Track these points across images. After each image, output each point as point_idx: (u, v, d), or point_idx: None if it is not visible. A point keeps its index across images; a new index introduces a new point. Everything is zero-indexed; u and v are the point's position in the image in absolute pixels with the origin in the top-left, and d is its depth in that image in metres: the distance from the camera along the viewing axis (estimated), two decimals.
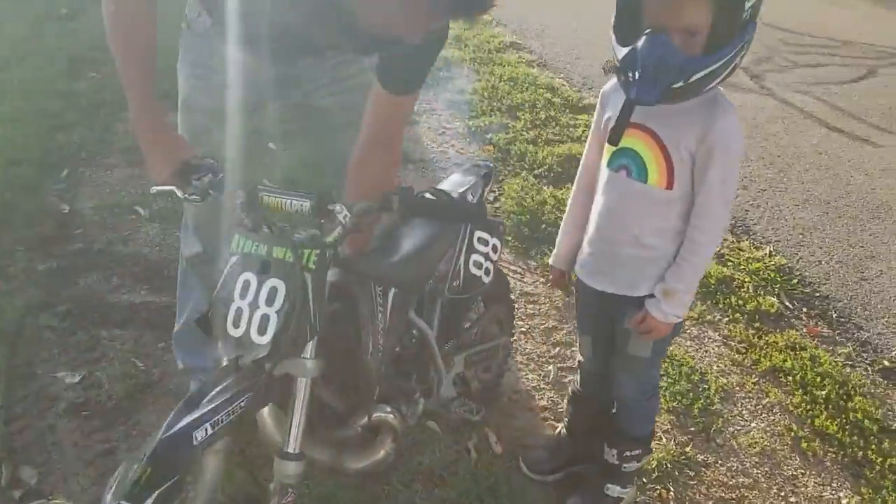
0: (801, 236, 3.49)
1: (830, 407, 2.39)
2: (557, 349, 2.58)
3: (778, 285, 3.05)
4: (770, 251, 3.31)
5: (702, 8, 1.41)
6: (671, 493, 2.07)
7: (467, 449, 2.12)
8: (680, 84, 1.42)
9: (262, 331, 1.27)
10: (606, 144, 1.65)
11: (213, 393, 1.30)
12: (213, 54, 1.66)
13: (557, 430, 2.16)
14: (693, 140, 1.52)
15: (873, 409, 2.40)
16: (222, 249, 2.01)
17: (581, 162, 1.83)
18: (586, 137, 1.84)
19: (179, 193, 1.46)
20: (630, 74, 1.45)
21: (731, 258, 3.20)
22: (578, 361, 2.00)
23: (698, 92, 1.46)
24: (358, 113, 1.76)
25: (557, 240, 1.90)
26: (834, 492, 2.13)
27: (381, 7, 1.11)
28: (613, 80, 1.67)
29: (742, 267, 3.15)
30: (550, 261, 1.93)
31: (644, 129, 1.57)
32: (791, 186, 3.98)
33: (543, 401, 2.36)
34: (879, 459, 2.21)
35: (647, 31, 1.42)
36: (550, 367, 2.48)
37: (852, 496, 2.11)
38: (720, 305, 2.89)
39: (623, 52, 1.47)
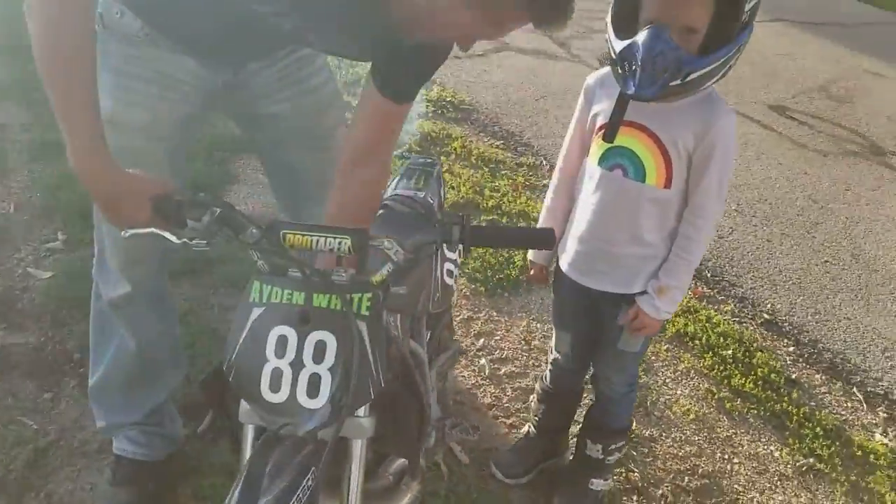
0: None
1: (739, 365, 2.54)
2: (482, 340, 2.47)
3: None
4: None
5: (703, 7, 1.40)
6: (636, 473, 2.09)
7: (437, 464, 1.97)
8: (677, 82, 1.39)
9: (312, 393, 1.05)
10: (598, 142, 1.59)
11: (269, 469, 1.05)
12: (143, 60, 1.37)
13: (525, 431, 2.08)
14: (691, 139, 1.49)
15: (773, 362, 2.60)
16: (157, 290, 1.67)
17: (561, 157, 1.75)
18: None
19: (173, 239, 1.14)
20: (628, 67, 1.41)
21: None
22: (554, 359, 1.92)
23: (694, 91, 1.45)
24: (313, 119, 1.60)
25: None
26: (766, 446, 2.27)
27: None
28: (597, 74, 1.65)
29: None
30: (530, 256, 1.84)
31: (640, 127, 1.53)
32: None
33: (487, 397, 2.26)
34: (794, 409, 2.39)
35: (648, 25, 1.39)
36: (483, 362, 2.38)
37: (782, 448, 2.28)
38: None
39: (621, 45, 1.43)
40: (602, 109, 1.58)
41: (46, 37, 1.10)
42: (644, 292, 1.61)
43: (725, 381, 2.48)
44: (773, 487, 2.14)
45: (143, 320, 1.69)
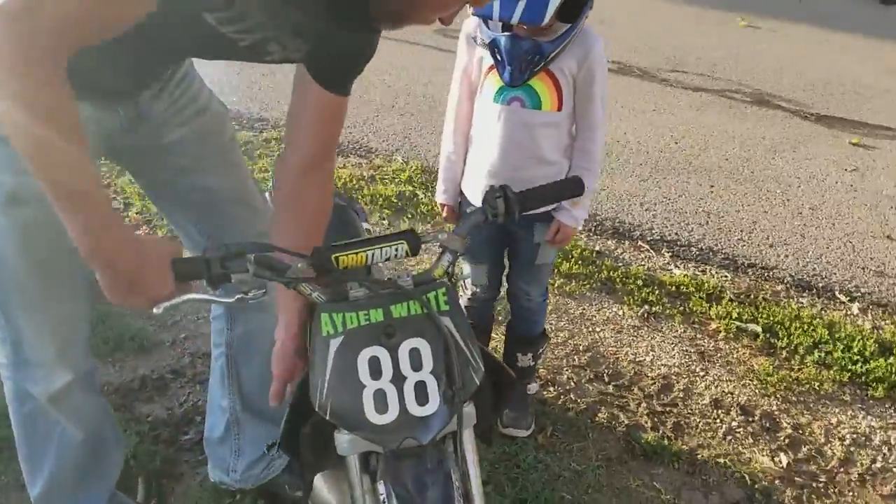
0: None
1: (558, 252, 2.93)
2: None
3: None
4: None
5: None
6: (541, 369, 2.34)
7: None
8: (541, 65, 1.64)
9: (422, 401, 1.05)
10: (493, 81, 1.71)
11: (412, 487, 1.08)
12: None
13: None
14: (574, 64, 1.68)
15: (578, 242, 3.02)
16: (91, 365, 1.46)
17: (451, 104, 1.85)
18: None
19: (226, 300, 1.07)
20: (499, 58, 1.65)
21: None
22: (472, 293, 2.03)
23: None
24: (215, 136, 1.49)
25: (442, 178, 1.90)
26: (610, 309, 2.64)
27: None
28: (474, 22, 1.75)
29: None
30: (441, 199, 1.92)
31: None
32: None
33: None
34: (613, 273, 2.82)
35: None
36: None
37: (622, 306, 2.69)
38: None
39: (489, 36, 1.64)
40: (485, 52, 1.70)
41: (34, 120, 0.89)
42: (558, 208, 1.80)
43: (555, 269, 2.83)
44: (633, 337, 2.53)
45: (86, 405, 1.47)
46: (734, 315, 2.63)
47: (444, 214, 1.94)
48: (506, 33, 1.62)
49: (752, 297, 2.79)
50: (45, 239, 1.25)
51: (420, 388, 1.05)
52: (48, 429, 1.44)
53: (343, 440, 1.09)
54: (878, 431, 2.22)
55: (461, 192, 1.89)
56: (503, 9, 1.52)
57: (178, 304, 1.04)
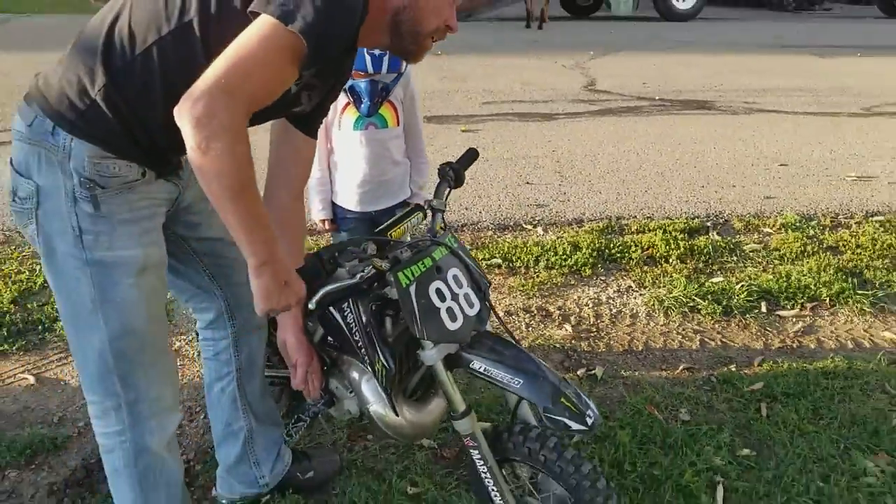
0: None
1: None
2: None
3: None
4: None
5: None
6: None
7: None
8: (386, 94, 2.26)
9: (471, 304, 1.66)
10: (351, 114, 2.26)
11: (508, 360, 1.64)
12: (141, 198, 1.49)
13: None
14: (402, 92, 2.32)
15: None
16: None
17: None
18: None
19: (354, 280, 1.54)
20: (355, 98, 2.23)
21: None
22: None
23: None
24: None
25: (318, 199, 2.41)
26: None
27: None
28: None
29: None
30: (321, 216, 2.40)
31: None
32: None
33: None
34: None
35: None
36: None
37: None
38: None
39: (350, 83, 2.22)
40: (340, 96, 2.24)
41: (233, 172, 1.25)
42: (413, 195, 2.44)
43: None
44: None
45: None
46: (480, 257, 3.49)
47: (327, 227, 2.40)
48: (364, 79, 2.17)
49: (481, 242, 3.69)
50: (160, 298, 1.53)
51: (465, 298, 1.63)
52: (159, 476, 1.64)
53: (429, 355, 1.60)
54: (601, 293, 3.29)
55: (333, 206, 2.39)
56: (374, 65, 2.12)
57: (322, 295, 1.49)
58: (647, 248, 3.58)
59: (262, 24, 1.26)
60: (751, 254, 3.63)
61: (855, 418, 2.46)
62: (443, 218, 1.78)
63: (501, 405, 2.39)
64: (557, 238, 3.77)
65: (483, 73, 7.34)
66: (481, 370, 1.65)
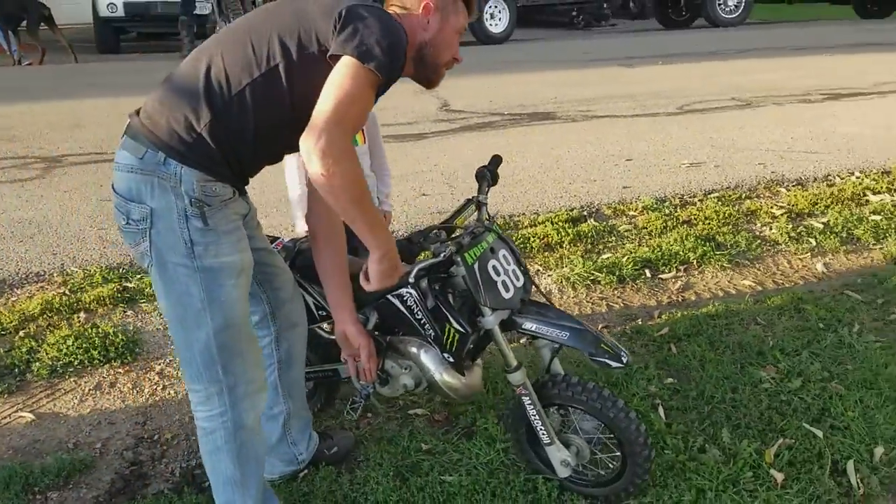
0: None
1: None
2: None
3: None
4: None
5: None
6: None
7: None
8: None
9: (518, 278, 2.11)
10: None
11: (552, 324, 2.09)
12: (233, 212, 1.79)
13: None
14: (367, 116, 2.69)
15: None
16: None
17: (292, 163, 2.61)
18: None
19: (435, 260, 1.99)
20: None
21: None
22: None
23: None
24: (254, 211, 2.13)
25: (302, 214, 2.61)
26: None
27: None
28: None
29: None
30: (304, 229, 2.63)
31: None
32: None
33: None
34: None
35: None
36: None
37: None
38: None
39: None
40: None
41: (354, 185, 1.61)
42: (382, 203, 2.79)
43: None
44: None
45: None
46: None
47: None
48: None
49: None
50: (247, 295, 1.81)
51: (513, 273, 2.06)
52: (251, 450, 1.90)
53: (489, 320, 2.01)
54: None
55: None
56: None
57: (417, 271, 1.94)
58: (543, 238, 4.11)
59: (348, 65, 1.60)
60: (625, 233, 4.27)
61: (742, 345, 3.10)
62: (486, 210, 2.17)
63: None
64: None
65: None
66: (533, 329, 2.06)
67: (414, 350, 2.15)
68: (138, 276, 3.52)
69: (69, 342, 2.96)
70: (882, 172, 5.20)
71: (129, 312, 3.30)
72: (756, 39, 12.86)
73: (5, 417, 2.65)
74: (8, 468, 2.34)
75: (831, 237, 4.21)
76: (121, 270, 3.58)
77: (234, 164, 1.73)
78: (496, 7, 12.95)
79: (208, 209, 1.69)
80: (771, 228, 4.34)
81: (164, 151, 1.65)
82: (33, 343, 3.00)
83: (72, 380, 2.88)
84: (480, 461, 2.41)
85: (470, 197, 2.25)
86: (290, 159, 2.57)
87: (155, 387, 2.86)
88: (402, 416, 2.67)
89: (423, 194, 4.76)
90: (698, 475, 2.34)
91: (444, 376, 2.12)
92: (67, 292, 3.33)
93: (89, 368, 2.93)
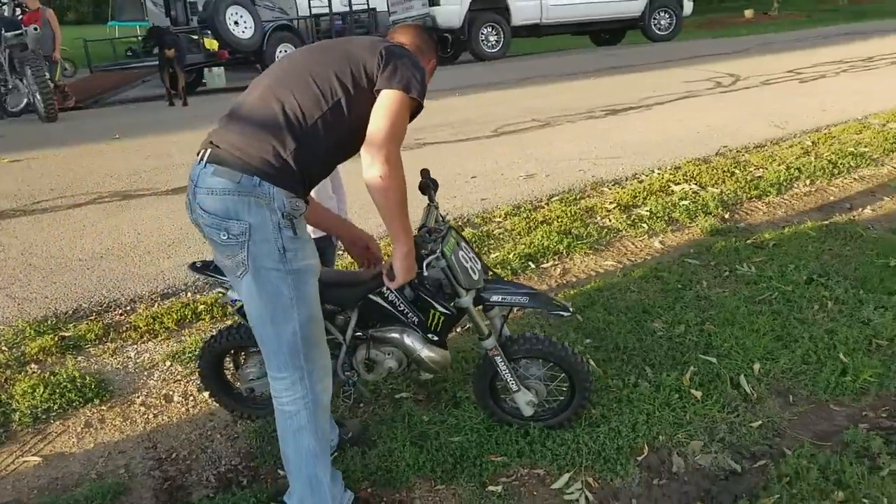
0: None
1: None
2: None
3: None
4: None
5: None
6: None
7: None
8: None
9: (477, 263, 2.59)
10: None
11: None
12: (304, 223, 2.13)
13: None
14: None
15: None
16: None
17: None
18: None
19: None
20: None
21: None
22: None
23: None
24: None
25: None
26: None
27: None
28: None
29: None
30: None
31: None
32: None
33: None
34: None
35: None
36: None
37: None
38: None
39: None
40: None
41: (402, 190, 2.02)
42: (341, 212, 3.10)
43: None
44: None
45: None
46: None
47: None
48: None
49: None
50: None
51: (473, 259, 2.54)
52: (321, 426, 2.20)
53: (465, 300, 2.47)
54: None
55: None
56: None
57: (425, 264, 2.33)
58: None
59: (395, 96, 2.03)
60: (500, 235, 4.88)
61: (629, 307, 3.81)
62: (439, 212, 2.58)
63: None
64: None
65: (189, 148, 7.72)
66: (499, 300, 2.54)
67: (397, 336, 2.58)
68: (71, 324, 3.50)
69: (39, 390, 2.95)
70: (674, 168, 6.32)
71: (79, 358, 3.31)
72: (526, 70, 14.38)
73: (10, 464, 2.62)
74: (64, 496, 2.40)
75: (658, 221, 5.13)
76: (49, 322, 3.53)
77: (307, 182, 2.06)
78: (285, 51, 13.34)
79: (296, 221, 2.00)
80: (609, 219, 5.18)
81: (259, 176, 1.96)
82: (3, 395, 2.94)
83: (58, 423, 2.89)
84: (475, 422, 2.83)
85: (427, 204, 2.68)
86: None
87: (145, 416, 2.95)
88: (390, 401, 3.02)
89: None
90: (640, 402, 2.95)
91: (429, 353, 2.58)
92: (5, 349, 3.24)
93: (70, 411, 2.97)
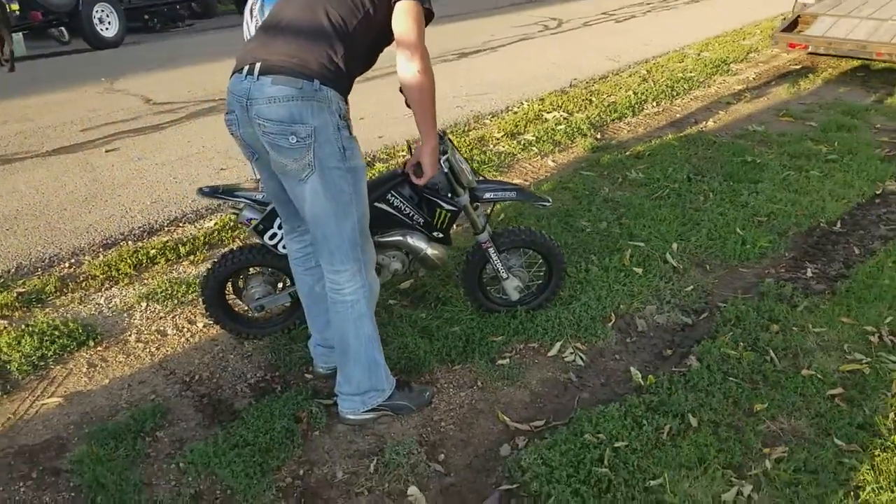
0: None
1: None
2: None
3: None
4: None
5: None
6: None
7: None
8: None
9: (468, 166, 2.91)
10: None
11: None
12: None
13: None
14: None
15: None
16: None
17: None
18: None
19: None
20: None
21: None
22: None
23: None
24: None
25: None
26: None
27: None
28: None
29: None
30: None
31: None
32: None
33: None
34: None
35: None
36: None
37: None
38: None
39: None
40: None
41: (434, 83, 2.27)
42: None
43: None
44: None
45: None
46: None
47: None
48: None
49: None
50: None
51: (466, 163, 2.86)
52: (372, 310, 2.43)
53: (464, 198, 2.82)
54: None
55: None
56: None
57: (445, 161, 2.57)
58: None
59: (412, 4, 2.25)
60: None
61: (554, 214, 4.29)
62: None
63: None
64: None
65: (47, 110, 7.17)
66: (491, 196, 2.88)
67: (401, 238, 2.86)
68: (20, 281, 3.40)
69: (26, 339, 2.93)
70: (539, 100, 6.90)
71: (47, 310, 3.26)
72: None
73: (29, 408, 2.62)
74: (110, 424, 2.46)
75: (545, 144, 5.67)
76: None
77: (351, 83, 2.25)
78: (104, 11, 12.43)
79: (348, 121, 2.20)
80: (501, 146, 5.64)
81: (319, 80, 2.13)
82: None
83: (59, 367, 2.89)
84: (467, 314, 3.19)
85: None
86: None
87: (147, 350, 3.02)
88: (383, 309, 3.28)
89: (223, 168, 5.06)
90: (597, 281, 3.47)
91: (433, 250, 2.88)
92: None
93: (66, 355, 2.97)
